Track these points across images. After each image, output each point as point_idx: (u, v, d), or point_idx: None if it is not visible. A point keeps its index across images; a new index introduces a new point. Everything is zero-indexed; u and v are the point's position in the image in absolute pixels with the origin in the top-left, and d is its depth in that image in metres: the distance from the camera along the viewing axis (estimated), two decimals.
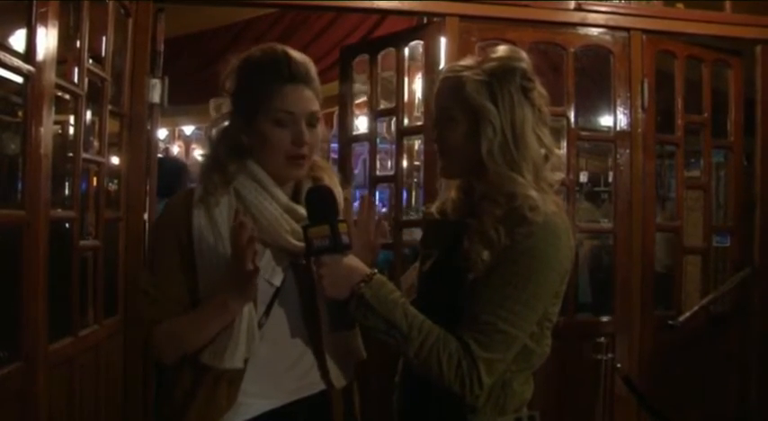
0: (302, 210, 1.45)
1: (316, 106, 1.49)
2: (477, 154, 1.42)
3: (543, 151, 1.45)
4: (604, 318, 3.40)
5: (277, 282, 1.45)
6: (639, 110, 3.36)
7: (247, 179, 1.46)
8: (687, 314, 3.26)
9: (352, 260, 1.39)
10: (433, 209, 1.65)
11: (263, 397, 1.45)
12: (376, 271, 1.40)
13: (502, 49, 1.49)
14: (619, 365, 3.09)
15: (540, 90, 1.47)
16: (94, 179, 2.77)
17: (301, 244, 1.41)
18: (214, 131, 1.51)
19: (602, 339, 3.07)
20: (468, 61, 1.49)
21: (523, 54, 1.49)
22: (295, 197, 1.51)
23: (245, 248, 1.29)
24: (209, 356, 1.39)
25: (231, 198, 1.45)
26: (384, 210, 5.70)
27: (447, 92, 1.48)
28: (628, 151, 3.36)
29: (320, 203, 1.40)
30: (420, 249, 1.66)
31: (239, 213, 1.36)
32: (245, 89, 1.47)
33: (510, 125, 1.41)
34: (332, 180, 1.56)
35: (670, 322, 3.23)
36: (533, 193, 1.38)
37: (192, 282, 1.43)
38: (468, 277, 1.37)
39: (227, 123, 1.51)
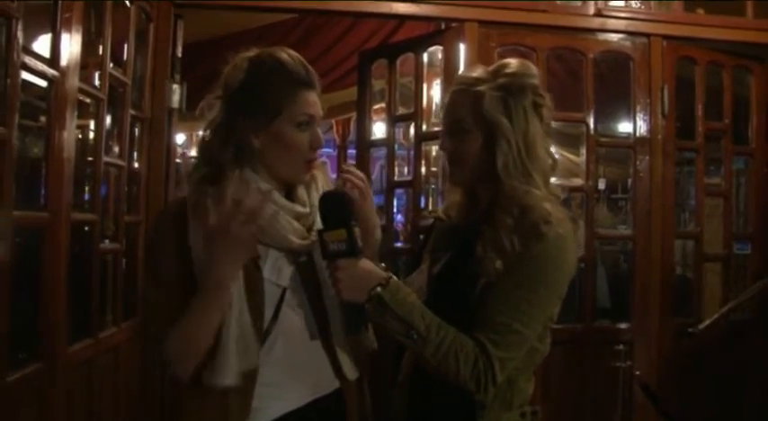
0: (300, 208, 1.46)
1: None
2: (490, 165, 1.46)
3: (550, 162, 1.51)
4: (623, 325, 3.38)
5: (284, 282, 1.45)
6: (659, 116, 3.34)
7: (243, 186, 1.41)
8: (707, 322, 3.21)
9: (367, 264, 1.41)
10: (440, 211, 1.70)
11: (279, 399, 1.44)
12: (391, 274, 1.42)
13: (515, 64, 1.52)
14: (637, 373, 3.06)
15: (548, 105, 1.52)
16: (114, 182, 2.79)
17: (304, 242, 1.43)
18: (210, 134, 1.46)
19: (621, 346, 3.05)
20: (480, 73, 1.51)
21: (535, 69, 1.54)
22: (288, 196, 1.49)
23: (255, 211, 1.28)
24: (206, 375, 1.35)
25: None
26: (400, 216, 5.70)
27: (463, 104, 1.50)
28: (647, 158, 3.35)
29: (336, 208, 1.41)
30: (427, 253, 1.67)
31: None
32: (263, 91, 1.44)
33: (523, 139, 1.46)
34: (324, 178, 1.58)
35: (689, 330, 3.19)
36: (548, 206, 1.44)
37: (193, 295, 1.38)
38: (480, 281, 1.41)
39: (224, 125, 1.44)
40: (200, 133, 1.50)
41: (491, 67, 1.53)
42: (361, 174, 1.56)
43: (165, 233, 1.45)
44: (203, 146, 1.48)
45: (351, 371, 1.52)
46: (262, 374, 1.40)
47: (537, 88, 1.50)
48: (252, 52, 1.48)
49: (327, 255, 1.38)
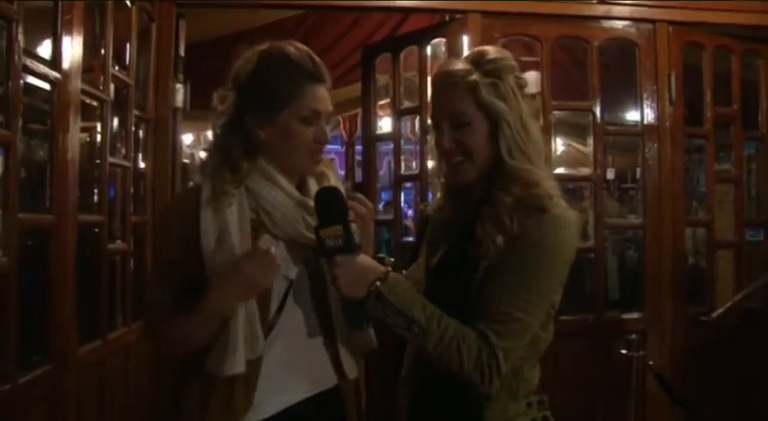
0: (312, 203, 1.45)
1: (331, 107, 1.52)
2: (494, 154, 1.46)
3: (543, 142, 1.52)
4: (635, 315, 3.36)
5: (293, 275, 1.46)
6: (667, 103, 3.31)
7: (259, 176, 1.45)
8: (720, 310, 3.19)
9: (364, 259, 1.41)
10: (430, 210, 1.69)
11: (279, 393, 1.44)
12: (390, 269, 1.42)
13: (491, 50, 1.54)
14: (651, 362, 3.04)
15: (528, 85, 1.54)
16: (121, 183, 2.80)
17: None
18: (221, 125, 1.48)
19: (634, 336, 3.03)
20: (463, 64, 1.51)
21: (508, 52, 1.55)
22: (298, 189, 1.50)
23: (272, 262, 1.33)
24: (211, 364, 1.37)
25: (242, 195, 1.43)
26: (411, 211, 5.69)
27: (459, 96, 1.48)
28: (656, 145, 3.32)
29: (331, 204, 1.40)
30: (425, 245, 1.66)
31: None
32: (270, 85, 1.45)
33: (520, 120, 1.46)
34: (335, 175, 1.59)
35: (703, 318, 3.17)
36: (549, 185, 1.44)
37: (198, 286, 1.38)
38: (480, 265, 1.40)
39: (233, 117, 1.47)
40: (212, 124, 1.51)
41: (469, 57, 1.53)
42: (368, 204, 1.50)
43: (172, 220, 1.49)
44: (215, 137, 1.50)
45: (351, 370, 1.52)
46: (264, 367, 1.41)
47: (516, 69, 1.51)
48: (263, 46, 1.49)
49: (324, 251, 1.37)
